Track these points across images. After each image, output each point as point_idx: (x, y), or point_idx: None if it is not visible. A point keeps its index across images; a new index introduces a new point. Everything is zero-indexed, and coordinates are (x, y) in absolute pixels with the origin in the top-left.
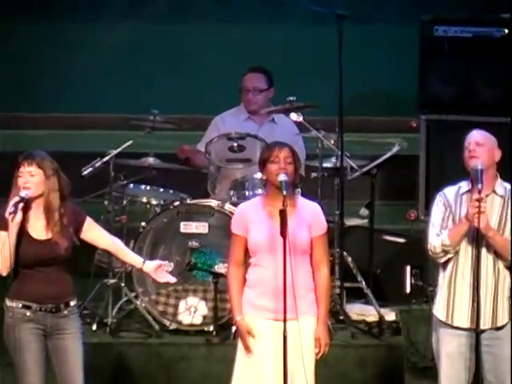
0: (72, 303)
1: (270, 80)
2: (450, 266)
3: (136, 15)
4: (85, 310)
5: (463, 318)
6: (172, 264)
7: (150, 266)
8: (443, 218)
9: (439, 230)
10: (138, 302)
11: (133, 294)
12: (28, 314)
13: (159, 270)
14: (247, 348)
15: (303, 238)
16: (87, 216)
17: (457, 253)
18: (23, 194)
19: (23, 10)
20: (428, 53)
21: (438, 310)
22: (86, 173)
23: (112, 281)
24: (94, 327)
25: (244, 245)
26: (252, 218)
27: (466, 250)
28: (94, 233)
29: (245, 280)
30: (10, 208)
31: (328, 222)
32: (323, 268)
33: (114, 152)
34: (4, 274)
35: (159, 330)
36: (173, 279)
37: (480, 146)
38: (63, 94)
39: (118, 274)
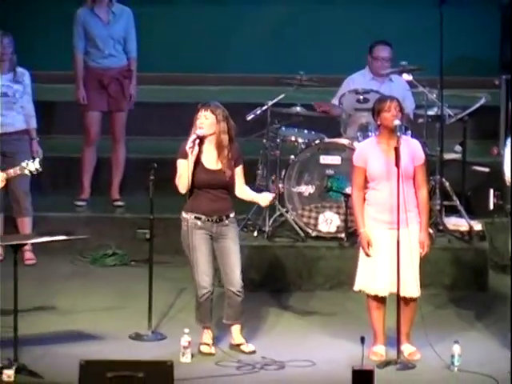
0: (231, 215)
1: (392, 50)
2: None
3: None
4: (248, 221)
5: None
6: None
7: (260, 197)
8: None
9: None
10: (288, 215)
11: (284, 209)
12: (199, 223)
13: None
14: (367, 254)
15: (409, 167)
16: (242, 164)
17: None
18: (199, 132)
19: None
20: (507, 27)
21: None
22: (249, 118)
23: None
24: (255, 234)
25: (363, 174)
26: (369, 153)
27: None
28: (238, 175)
29: (364, 200)
30: (189, 143)
31: (431, 155)
32: (423, 189)
33: (271, 103)
34: (183, 192)
35: (304, 236)
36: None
37: None
38: (233, 57)
39: (274, 194)
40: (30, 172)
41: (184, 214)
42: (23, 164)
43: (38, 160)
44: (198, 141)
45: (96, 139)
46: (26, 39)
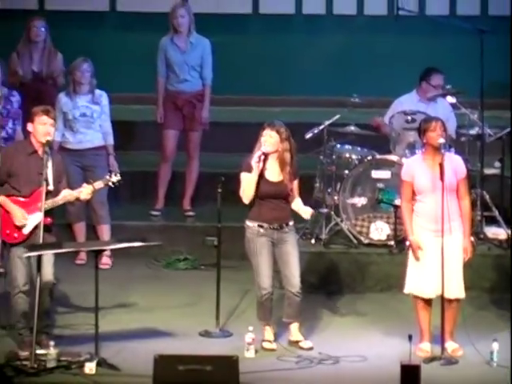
0: (290, 223)
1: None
2: None
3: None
4: (307, 229)
5: None
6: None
7: (302, 210)
8: None
9: None
10: (343, 224)
11: (339, 219)
12: (261, 230)
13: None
14: (417, 258)
15: (453, 181)
16: (298, 178)
17: None
18: (264, 149)
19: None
20: None
21: None
22: (308, 137)
23: (325, 210)
24: (313, 241)
25: (411, 187)
26: (416, 169)
27: None
28: (294, 188)
29: (413, 211)
30: (255, 158)
31: (472, 171)
32: (465, 200)
33: (327, 123)
34: (247, 202)
35: (357, 243)
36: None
37: None
38: (293, 81)
39: (329, 205)
40: (113, 184)
41: (248, 223)
42: (107, 177)
43: (118, 173)
44: (263, 157)
45: (171, 156)
46: (108, 64)
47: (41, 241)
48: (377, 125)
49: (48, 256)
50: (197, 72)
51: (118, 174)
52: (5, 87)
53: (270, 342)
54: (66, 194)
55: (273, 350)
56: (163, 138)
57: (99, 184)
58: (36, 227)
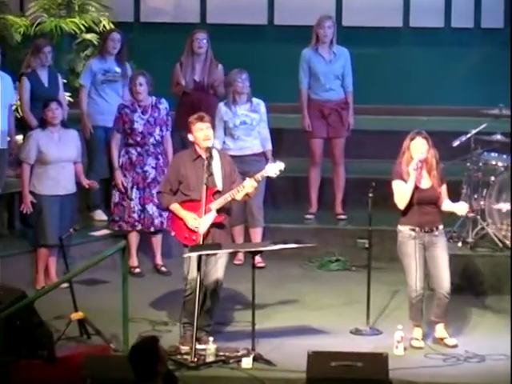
0: (440, 227)
1: None
2: None
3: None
4: (454, 233)
5: None
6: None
7: (456, 207)
8: None
9: None
10: (489, 229)
11: (485, 223)
12: (413, 234)
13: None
14: None
15: None
16: (445, 182)
17: None
18: (420, 156)
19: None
20: None
21: None
22: (455, 144)
23: (471, 214)
24: (460, 244)
25: None
26: None
27: None
28: (442, 192)
29: None
30: (413, 165)
31: None
32: None
33: (474, 131)
34: (402, 208)
35: (502, 247)
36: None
37: None
38: (440, 91)
39: (476, 210)
40: (275, 174)
41: (400, 227)
42: (266, 168)
43: (278, 162)
44: (419, 164)
45: (320, 161)
46: (261, 76)
47: (201, 241)
48: None
49: (222, 260)
50: (339, 81)
51: (278, 164)
52: (152, 96)
53: (418, 340)
54: (232, 191)
55: (421, 348)
56: (311, 145)
57: (261, 175)
58: (211, 227)
